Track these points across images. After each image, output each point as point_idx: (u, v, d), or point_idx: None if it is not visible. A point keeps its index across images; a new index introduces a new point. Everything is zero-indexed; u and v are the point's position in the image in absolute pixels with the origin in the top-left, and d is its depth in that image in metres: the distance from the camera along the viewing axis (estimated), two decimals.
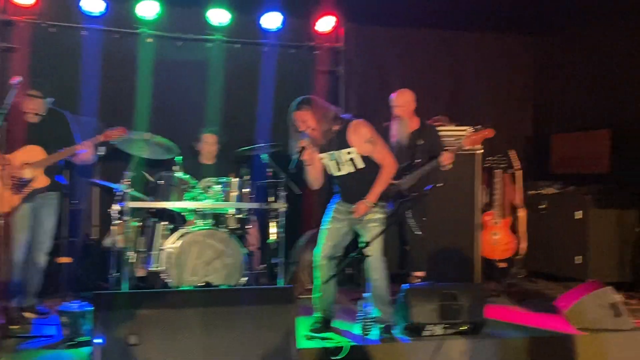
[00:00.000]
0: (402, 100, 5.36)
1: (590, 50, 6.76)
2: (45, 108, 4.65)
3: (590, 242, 5.86)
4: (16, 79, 4.26)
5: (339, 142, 4.23)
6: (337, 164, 4.27)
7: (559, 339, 4.33)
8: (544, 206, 6.41)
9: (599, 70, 6.60)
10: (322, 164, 4.35)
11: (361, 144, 4.21)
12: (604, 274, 5.63)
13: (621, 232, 5.88)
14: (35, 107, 4.57)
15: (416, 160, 5.35)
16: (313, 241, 4.91)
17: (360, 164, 4.23)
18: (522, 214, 6.18)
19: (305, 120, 4.19)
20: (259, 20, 6.41)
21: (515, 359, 4.17)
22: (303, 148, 4.13)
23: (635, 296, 5.36)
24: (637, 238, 5.80)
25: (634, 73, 6.12)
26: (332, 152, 4.26)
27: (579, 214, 5.95)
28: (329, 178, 4.43)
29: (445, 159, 5.15)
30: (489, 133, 5.22)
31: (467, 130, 5.64)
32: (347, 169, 4.26)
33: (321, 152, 4.31)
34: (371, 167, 4.26)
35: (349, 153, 4.22)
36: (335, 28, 6.61)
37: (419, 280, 5.40)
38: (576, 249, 5.96)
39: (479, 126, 5.32)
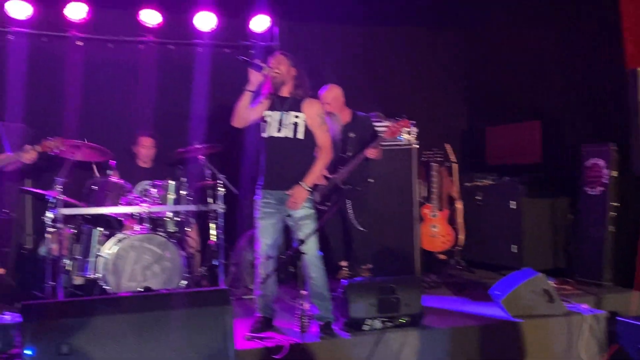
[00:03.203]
0: (331, 97, 5.44)
1: (518, 43, 6.88)
2: None
3: (525, 230, 5.94)
4: None
5: (292, 105, 4.25)
6: (279, 124, 4.23)
7: (497, 326, 4.44)
8: (479, 197, 6.53)
9: (527, 63, 6.71)
10: (259, 114, 4.29)
11: (313, 116, 4.24)
12: (538, 262, 5.75)
13: (553, 220, 5.99)
14: None
15: (348, 154, 5.42)
16: (252, 241, 4.90)
17: (301, 134, 4.21)
18: (459, 206, 6.32)
19: (280, 63, 4.24)
20: (192, 20, 6.36)
21: (453, 347, 4.25)
22: (264, 67, 4.17)
23: (568, 282, 5.49)
24: (569, 225, 5.94)
25: (559, 65, 6.27)
26: (281, 112, 4.25)
27: (513, 204, 6.04)
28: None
29: (369, 153, 5.26)
30: (404, 124, 5.38)
31: (387, 123, 5.76)
32: (286, 133, 4.22)
33: (270, 109, 4.29)
34: (308, 146, 4.25)
35: (296, 117, 4.22)
36: (269, 27, 6.62)
37: (368, 273, 5.47)
38: (511, 238, 6.05)
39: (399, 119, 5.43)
